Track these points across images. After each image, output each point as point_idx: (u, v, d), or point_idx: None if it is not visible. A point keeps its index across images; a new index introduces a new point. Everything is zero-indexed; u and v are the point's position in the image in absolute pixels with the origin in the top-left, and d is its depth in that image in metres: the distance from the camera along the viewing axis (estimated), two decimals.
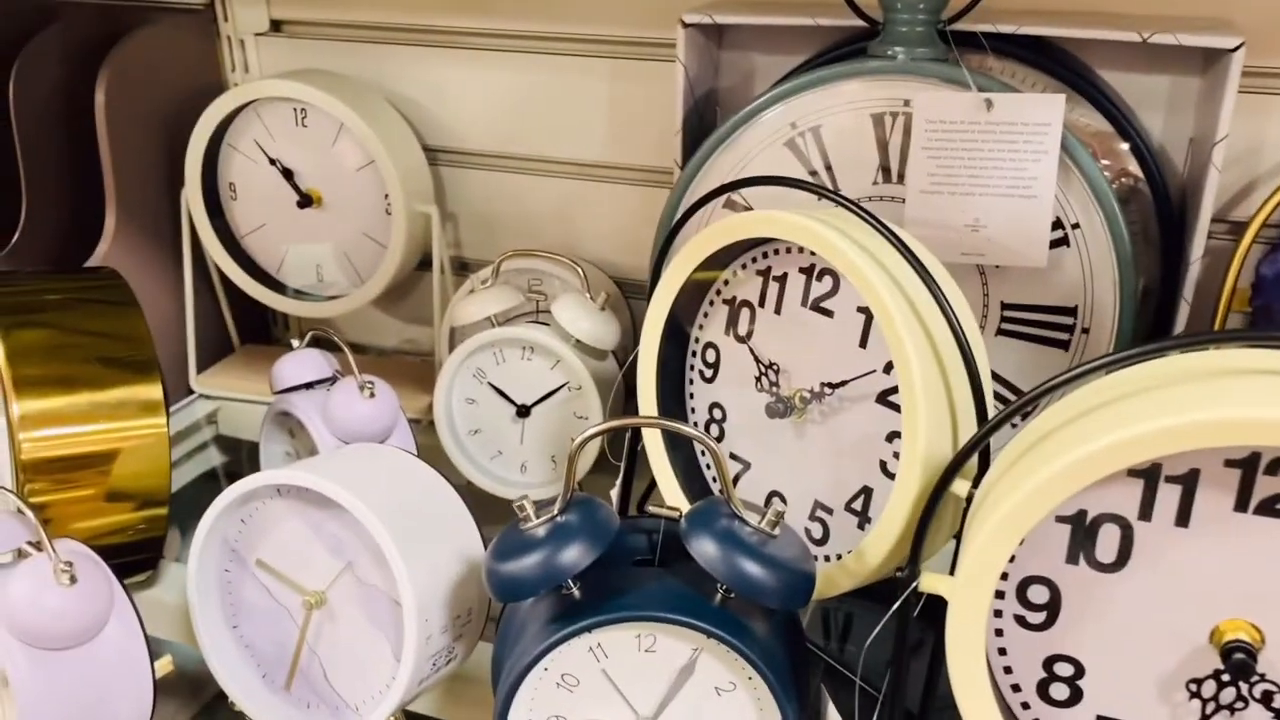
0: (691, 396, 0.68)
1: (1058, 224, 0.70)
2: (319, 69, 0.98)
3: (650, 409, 0.67)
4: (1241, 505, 0.40)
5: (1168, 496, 0.41)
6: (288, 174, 0.96)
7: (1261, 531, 0.40)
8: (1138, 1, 0.76)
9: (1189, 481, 0.41)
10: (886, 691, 0.49)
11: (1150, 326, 0.77)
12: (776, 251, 0.62)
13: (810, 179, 0.75)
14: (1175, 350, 0.43)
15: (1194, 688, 0.43)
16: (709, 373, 0.67)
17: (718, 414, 0.67)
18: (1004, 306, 0.73)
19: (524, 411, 0.85)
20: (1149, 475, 0.41)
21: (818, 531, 0.62)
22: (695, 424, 0.68)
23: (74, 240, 0.96)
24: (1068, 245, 0.71)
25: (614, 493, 0.73)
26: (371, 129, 0.91)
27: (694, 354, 0.67)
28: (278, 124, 0.95)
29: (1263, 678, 0.41)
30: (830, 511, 0.61)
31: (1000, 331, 0.74)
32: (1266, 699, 0.41)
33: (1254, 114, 0.76)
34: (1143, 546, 0.42)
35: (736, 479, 0.66)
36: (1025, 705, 0.47)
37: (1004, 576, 0.45)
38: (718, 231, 0.60)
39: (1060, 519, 0.43)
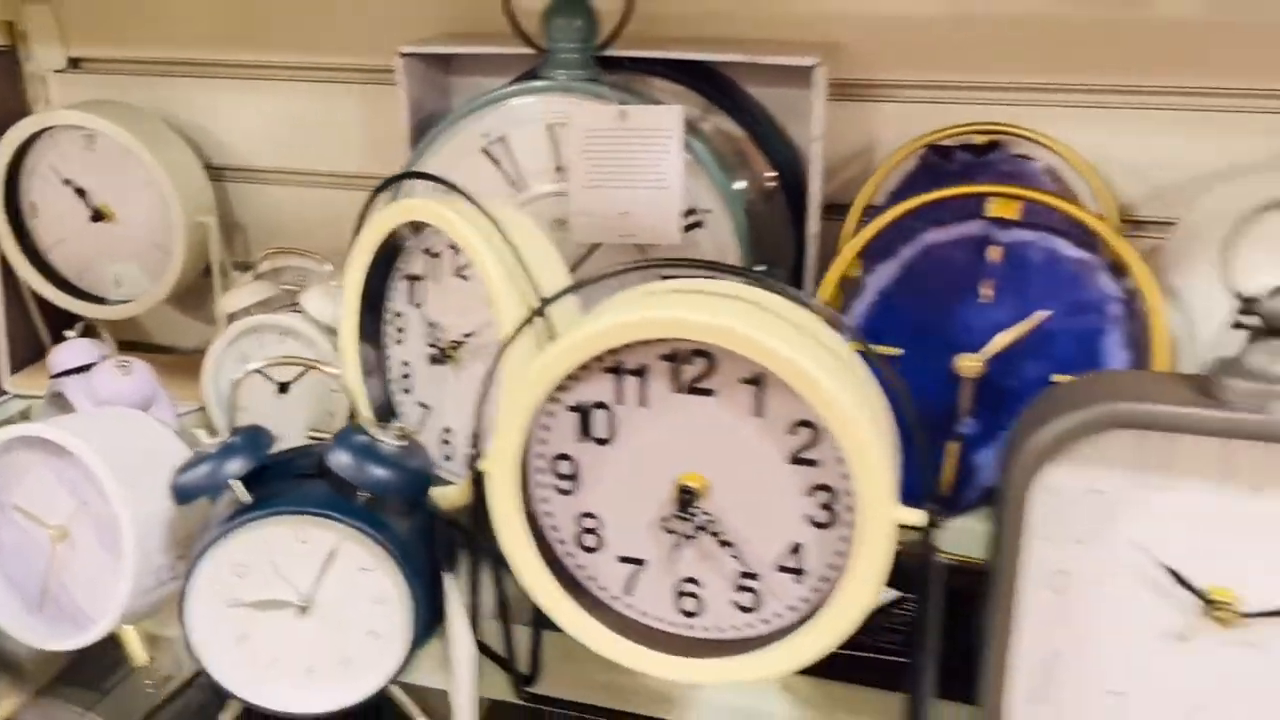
0: (389, 358, 0.83)
1: (693, 211, 0.86)
2: (110, 100, 1.11)
3: (354, 370, 0.81)
4: (677, 388, 0.56)
5: (630, 385, 0.57)
6: (80, 193, 1.08)
7: (693, 406, 0.56)
8: (765, 29, 0.94)
9: (642, 373, 0.56)
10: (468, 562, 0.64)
11: None
12: (435, 234, 0.77)
13: (507, 181, 0.90)
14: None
15: (666, 525, 0.59)
16: (399, 336, 0.81)
17: (406, 369, 0.81)
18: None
19: (284, 389, 0.99)
20: (617, 370, 0.57)
21: None
22: (390, 380, 0.82)
23: None
24: (702, 227, 0.87)
25: None
26: (150, 151, 1.04)
27: (387, 321, 0.82)
28: (70, 149, 1.08)
29: (703, 513, 0.57)
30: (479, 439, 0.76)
31: None
32: (708, 528, 0.57)
33: (858, 118, 0.94)
34: (622, 424, 0.58)
35: (422, 421, 0.80)
36: (570, 555, 0.62)
37: (542, 456, 0.60)
38: (378, 221, 0.75)
39: (570, 408, 0.59)
